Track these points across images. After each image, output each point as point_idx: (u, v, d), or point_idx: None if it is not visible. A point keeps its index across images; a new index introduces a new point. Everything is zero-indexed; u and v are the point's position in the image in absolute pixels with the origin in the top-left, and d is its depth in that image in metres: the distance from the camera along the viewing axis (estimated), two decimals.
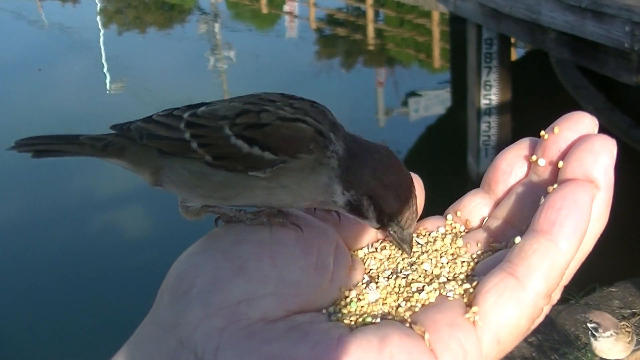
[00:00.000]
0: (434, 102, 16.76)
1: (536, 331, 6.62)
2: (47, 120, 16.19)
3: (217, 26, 25.38)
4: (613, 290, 7.24)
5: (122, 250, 11.08)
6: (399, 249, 0.96)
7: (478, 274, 0.88)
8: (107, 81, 19.77)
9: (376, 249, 0.97)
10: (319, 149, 0.94)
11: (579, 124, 0.89)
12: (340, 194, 0.96)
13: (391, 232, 0.97)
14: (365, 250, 0.98)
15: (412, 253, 0.96)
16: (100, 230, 11.92)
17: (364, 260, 0.96)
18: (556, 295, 0.86)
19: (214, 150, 0.96)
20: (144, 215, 12.33)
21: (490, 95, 11.70)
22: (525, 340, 6.36)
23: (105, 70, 20.62)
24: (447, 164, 12.55)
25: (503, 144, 12.29)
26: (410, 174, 0.97)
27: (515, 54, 15.97)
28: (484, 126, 11.85)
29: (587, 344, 6.30)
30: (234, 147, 0.95)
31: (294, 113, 0.96)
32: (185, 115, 1.00)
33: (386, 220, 0.96)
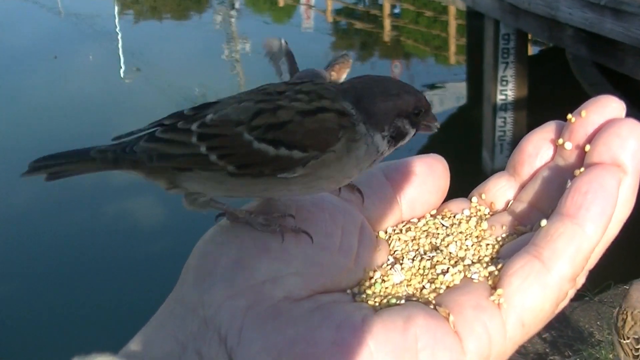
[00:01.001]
0: (449, 97, 16.73)
1: (550, 327, 6.62)
2: (63, 108, 16.26)
3: (233, 16, 25.38)
4: (628, 288, 7.22)
5: (136, 239, 11.13)
6: (433, 127, 0.99)
7: (503, 256, 0.87)
8: (122, 69, 19.80)
9: (401, 230, 0.96)
10: (346, 129, 0.91)
11: (607, 108, 0.88)
12: (382, 141, 0.94)
13: (425, 123, 0.97)
14: (389, 230, 0.96)
15: (436, 230, 0.95)
16: (113, 218, 11.96)
17: (389, 242, 0.95)
18: (581, 280, 0.86)
19: (237, 159, 0.90)
20: (157, 204, 12.36)
21: (507, 90, 11.68)
22: (539, 336, 6.35)
23: (120, 58, 20.64)
24: (462, 159, 12.52)
25: (518, 139, 12.11)
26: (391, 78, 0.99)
27: (531, 51, 15.90)
28: (499, 121, 11.83)
29: (601, 340, 6.29)
30: (259, 152, 0.89)
31: (310, 101, 0.92)
32: (194, 127, 0.93)
33: (420, 119, 0.96)
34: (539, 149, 0.94)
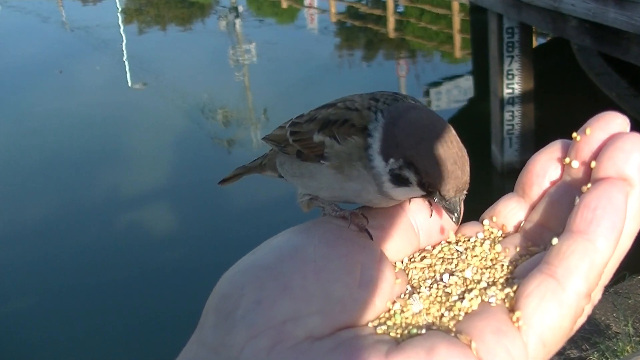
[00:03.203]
0: (456, 93, 16.76)
1: None
2: (72, 121, 16.33)
3: (237, 21, 25.47)
4: None
5: (146, 251, 11.12)
6: (450, 218, 0.98)
7: (518, 277, 0.88)
8: (129, 79, 19.88)
9: (417, 258, 0.97)
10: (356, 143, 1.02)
11: (611, 124, 0.88)
12: (381, 165, 1.00)
13: (436, 200, 0.98)
14: (406, 260, 0.97)
15: (451, 256, 0.96)
16: (124, 230, 11.98)
17: (406, 271, 0.95)
18: (597, 295, 0.86)
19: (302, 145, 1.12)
20: (167, 215, 12.40)
21: (513, 84, 11.67)
22: None
23: (127, 68, 20.73)
24: (471, 154, 12.42)
25: (527, 132, 12.35)
26: (457, 140, 0.99)
27: (535, 43, 15.91)
28: (507, 115, 11.83)
29: (618, 332, 6.27)
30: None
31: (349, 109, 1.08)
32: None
33: (428, 187, 0.98)
34: (546, 169, 0.95)
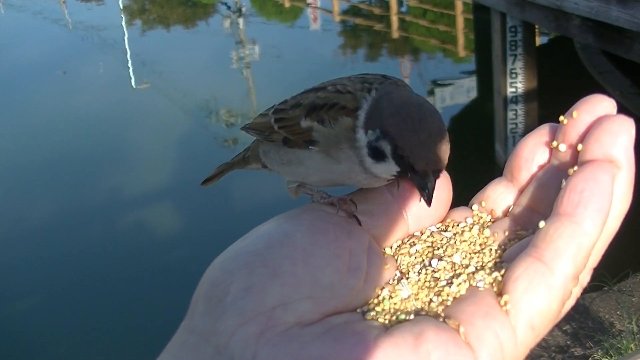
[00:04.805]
0: (459, 92, 16.73)
1: (571, 319, 6.60)
2: (76, 121, 16.32)
3: (240, 21, 25.45)
4: None
5: (151, 251, 11.12)
6: (421, 196, 0.97)
7: (506, 261, 0.88)
8: (133, 80, 19.86)
9: (406, 244, 0.96)
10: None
11: (597, 107, 0.88)
12: (363, 138, 1.01)
13: (410, 177, 0.98)
14: (395, 246, 0.97)
15: (440, 241, 0.96)
16: (128, 230, 11.97)
17: (395, 257, 0.95)
18: (585, 278, 0.86)
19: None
20: (171, 216, 12.40)
21: (516, 83, 11.66)
22: (560, 328, 6.34)
23: (130, 68, 20.71)
24: (475, 153, 12.52)
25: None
26: (440, 120, 0.99)
27: (539, 41, 15.88)
28: (510, 114, 11.81)
29: (622, 330, 6.27)
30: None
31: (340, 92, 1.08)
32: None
33: (402, 160, 0.97)
34: (534, 153, 0.95)
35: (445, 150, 0.98)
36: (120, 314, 9.41)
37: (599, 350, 6.05)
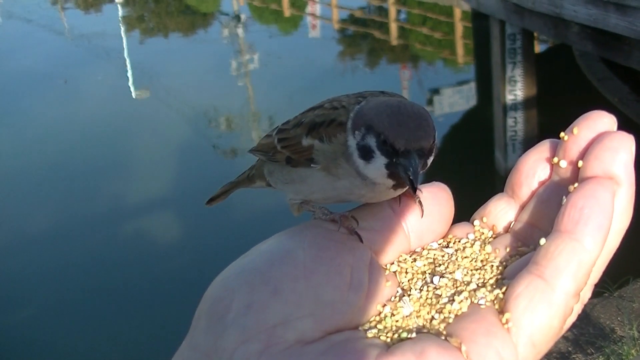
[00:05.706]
0: (459, 99, 16.73)
1: (572, 325, 6.57)
2: (76, 131, 16.33)
3: (240, 29, 25.46)
4: None
5: (151, 260, 11.10)
6: (407, 184, 0.97)
7: (507, 278, 0.88)
8: (132, 88, 19.86)
9: (408, 260, 0.97)
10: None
11: (598, 123, 0.88)
12: (353, 143, 1.02)
13: (396, 166, 0.97)
14: (396, 262, 0.97)
15: (442, 258, 0.96)
16: (128, 239, 11.95)
17: (397, 274, 0.95)
18: (586, 294, 0.86)
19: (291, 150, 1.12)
20: (171, 224, 12.38)
21: (516, 90, 11.67)
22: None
23: (129, 77, 20.71)
24: (475, 160, 12.52)
25: (530, 138, 12.31)
26: (425, 112, 1.00)
27: (538, 49, 15.89)
28: (510, 121, 11.82)
29: (623, 336, 6.27)
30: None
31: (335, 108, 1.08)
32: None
33: (386, 147, 0.98)
34: (535, 169, 0.95)
35: (427, 131, 0.98)
36: (122, 323, 9.40)
37: (600, 356, 6.05)
